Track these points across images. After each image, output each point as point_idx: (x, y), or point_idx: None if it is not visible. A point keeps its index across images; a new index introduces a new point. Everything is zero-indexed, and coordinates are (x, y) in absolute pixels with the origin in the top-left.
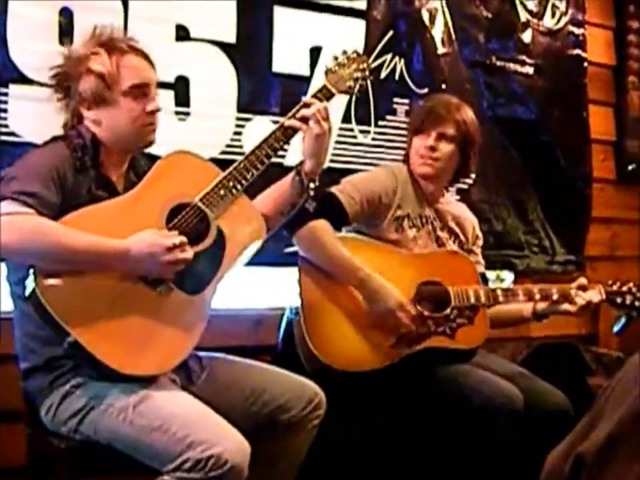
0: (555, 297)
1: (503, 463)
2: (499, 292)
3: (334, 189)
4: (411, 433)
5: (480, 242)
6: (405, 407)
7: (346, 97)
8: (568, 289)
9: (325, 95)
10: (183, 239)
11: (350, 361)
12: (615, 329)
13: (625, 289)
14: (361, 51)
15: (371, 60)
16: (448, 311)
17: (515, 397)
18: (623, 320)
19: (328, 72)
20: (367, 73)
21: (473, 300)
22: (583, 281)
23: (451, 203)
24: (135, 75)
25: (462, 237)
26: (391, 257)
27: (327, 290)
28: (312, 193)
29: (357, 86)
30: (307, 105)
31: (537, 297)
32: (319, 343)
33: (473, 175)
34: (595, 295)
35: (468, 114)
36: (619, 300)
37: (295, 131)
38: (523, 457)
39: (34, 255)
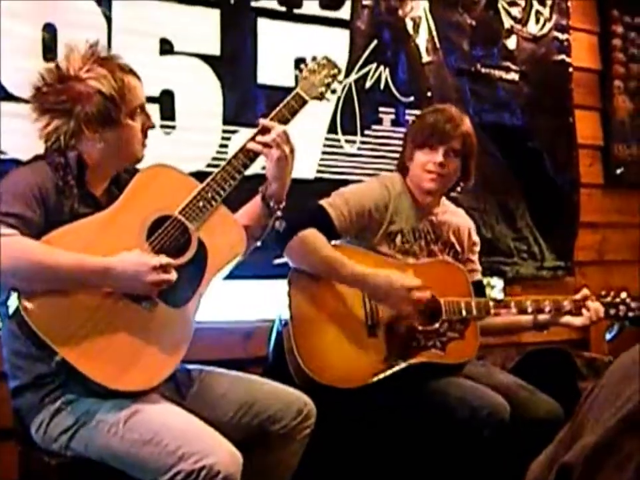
0: (547, 308)
1: (494, 472)
2: (490, 304)
3: (324, 202)
4: (399, 446)
5: (477, 248)
6: (393, 420)
7: (331, 107)
8: (561, 300)
9: (297, 102)
10: (169, 260)
11: (338, 377)
12: (608, 336)
13: (618, 299)
14: (345, 60)
15: (355, 69)
16: (438, 324)
17: (502, 407)
18: (615, 329)
19: (299, 79)
20: (338, 78)
21: (464, 313)
22: (585, 292)
23: (447, 211)
24: (137, 96)
25: (457, 247)
26: (383, 267)
27: (317, 304)
28: (280, 214)
29: (329, 92)
30: (265, 129)
31: (529, 309)
32: (308, 359)
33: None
34: (595, 312)
35: (469, 125)
36: (612, 312)
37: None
38: (514, 464)
39: (19, 277)
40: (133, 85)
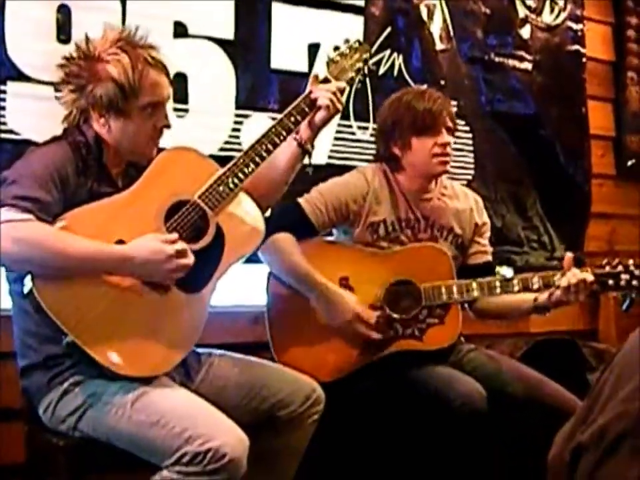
0: (536, 286)
1: (479, 460)
2: (474, 285)
3: (301, 199)
4: (382, 436)
5: (485, 228)
6: (374, 410)
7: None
8: (551, 275)
9: None
10: (185, 245)
11: (316, 371)
12: (623, 307)
13: (620, 268)
14: None
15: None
16: (416, 311)
17: (476, 396)
18: (628, 299)
19: (330, 62)
20: (369, 62)
21: (444, 297)
22: (568, 254)
23: (445, 194)
24: (154, 92)
25: (458, 231)
26: (362, 259)
27: (294, 298)
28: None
29: (359, 76)
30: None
31: (515, 288)
32: (282, 354)
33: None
34: (580, 273)
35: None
36: (610, 282)
37: (295, 124)
38: (532, 451)
39: (34, 263)
40: (154, 80)
